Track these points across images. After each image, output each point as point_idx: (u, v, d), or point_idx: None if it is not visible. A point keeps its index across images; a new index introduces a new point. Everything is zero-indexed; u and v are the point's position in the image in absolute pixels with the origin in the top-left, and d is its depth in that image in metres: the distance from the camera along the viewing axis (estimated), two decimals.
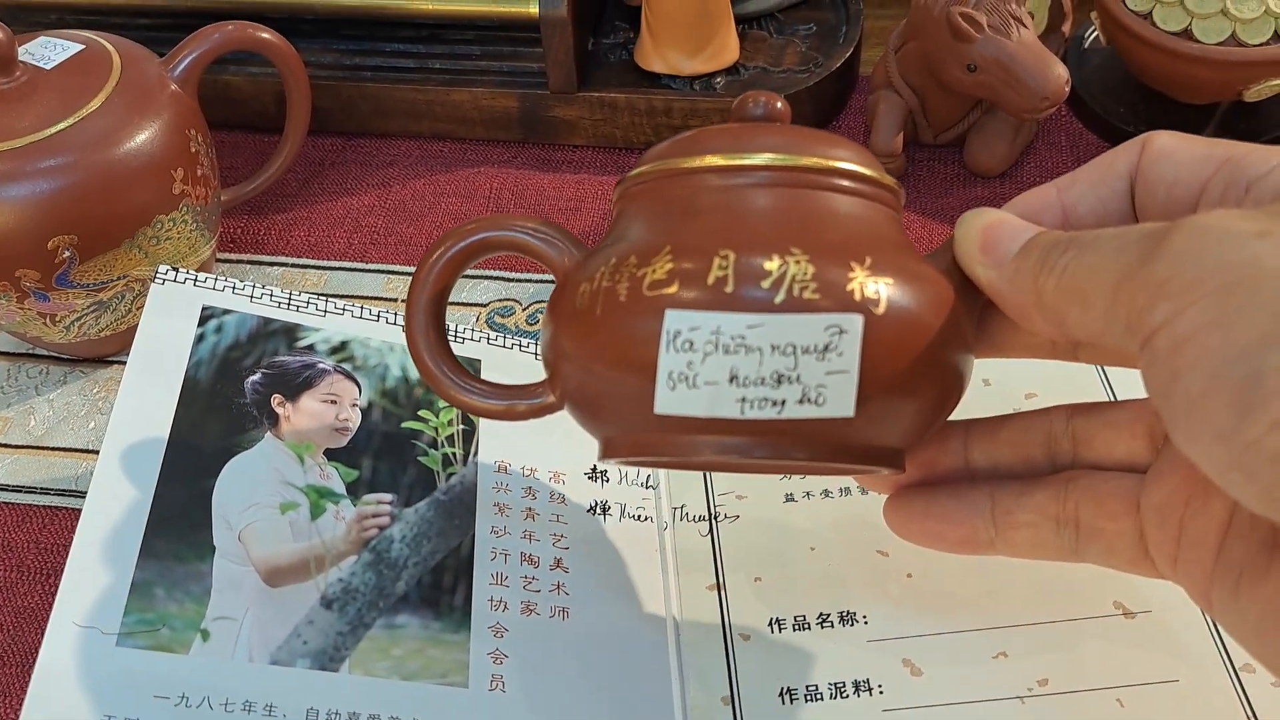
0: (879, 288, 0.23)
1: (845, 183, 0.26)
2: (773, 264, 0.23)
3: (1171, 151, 0.25)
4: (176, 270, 0.36)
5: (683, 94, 0.49)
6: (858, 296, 0.23)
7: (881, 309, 0.23)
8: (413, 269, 0.47)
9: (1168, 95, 0.47)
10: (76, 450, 0.42)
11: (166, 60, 0.43)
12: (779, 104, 0.28)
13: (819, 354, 0.23)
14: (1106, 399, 0.38)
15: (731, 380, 0.23)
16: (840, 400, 0.23)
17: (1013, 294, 0.24)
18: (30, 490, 0.41)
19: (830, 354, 0.23)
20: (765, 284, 0.23)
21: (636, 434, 0.26)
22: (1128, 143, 0.26)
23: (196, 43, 0.43)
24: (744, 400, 0.23)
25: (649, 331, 0.24)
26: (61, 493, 0.41)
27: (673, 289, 0.24)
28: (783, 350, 0.23)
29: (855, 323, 0.23)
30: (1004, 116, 0.46)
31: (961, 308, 0.25)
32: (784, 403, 0.23)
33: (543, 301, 0.46)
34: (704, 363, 0.23)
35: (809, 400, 0.23)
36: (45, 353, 0.45)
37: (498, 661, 0.32)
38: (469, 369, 0.38)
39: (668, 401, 0.24)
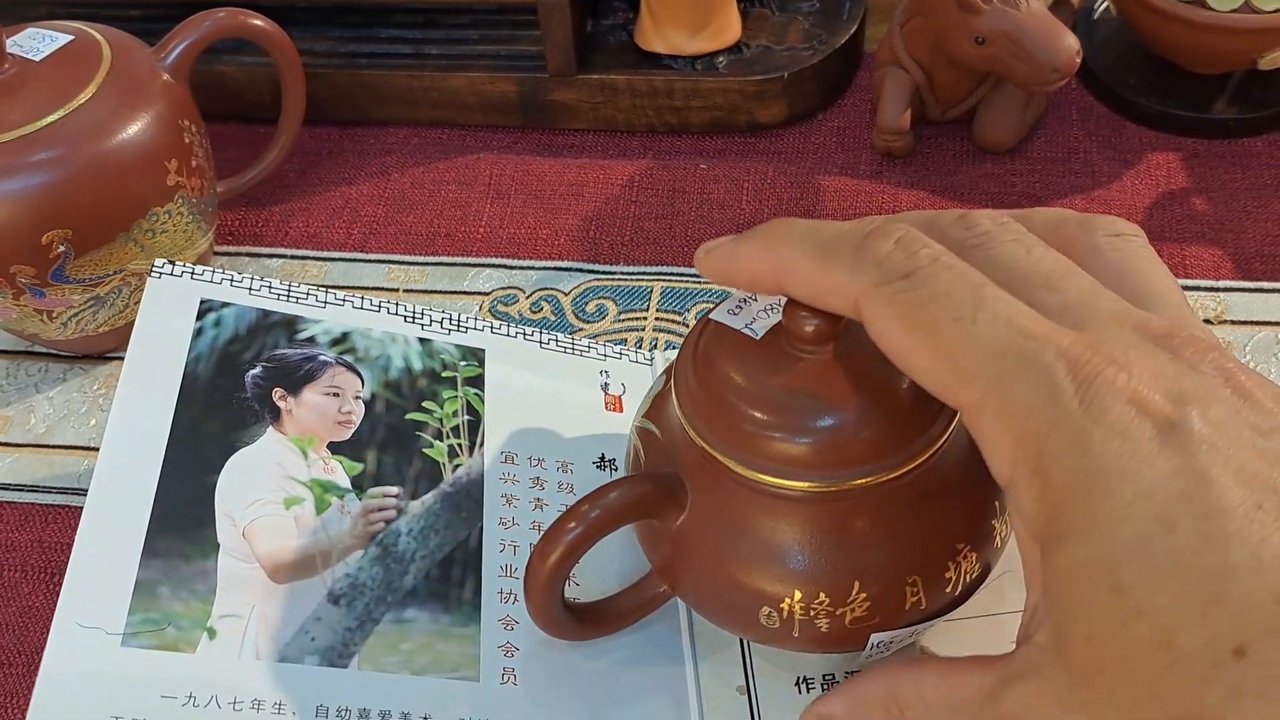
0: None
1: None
2: (951, 573, 0.27)
3: (914, 366, 0.23)
4: (173, 264, 0.36)
5: (684, 74, 0.48)
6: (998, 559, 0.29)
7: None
8: (414, 258, 0.46)
9: (1180, 66, 0.47)
10: (78, 448, 0.42)
11: (157, 50, 0.42)
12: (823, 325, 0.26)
13: None
14: None
15: None
16: None
17: None
18: (32, 489, 0.40)
19: None
20: (948, 590, 0.27)
21: None
22: (840, 293, 0.24)
23: (188, 31, 0.42)
24: None
25: (851, 647, 0.28)
26: (64, 491, 0.40)
27: (875, 620, 0.27)
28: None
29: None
30: (1013, 91, 0.45)
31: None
32: None
33: (547, 289, 0.45)
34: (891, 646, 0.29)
35: None
36: (44, 350, 0.45)
37: (508, 654, 0.32)
38: (475, 359, 0.38)
39: None
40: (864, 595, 0.27)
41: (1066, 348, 0.21)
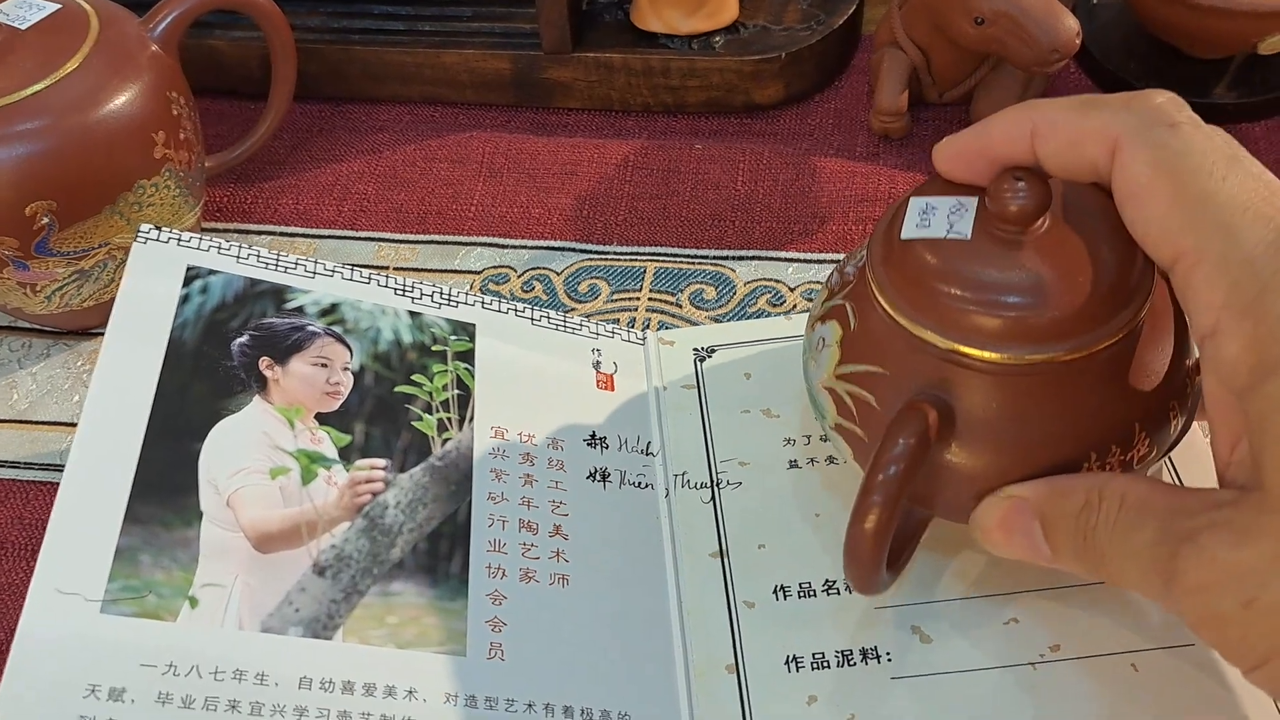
0: None
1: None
2: (1190, 390, 0.29)
3: (1148, 210, 0.25)
4: (159, 229, 0.35)
5: (681, 53, 0.48)
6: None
7: None
8: (405, 236, 0.46)
9: (1179, 49, 0.46)
10: (61, 424, 0.41)
11: (146, 20, 0.42)
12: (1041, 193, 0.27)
13: None
14: None
15: None
16: None
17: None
18: (13, 465, 0.40)
19: None
20: (1189, 404, 0.29)
21: None
22: (1099, 135, 0.25)
23: (177, 1, 0.42)
24: None
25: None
26: (45, 467, 0.40)
27: (1153, 454, 0.28)
28: None
29: None
30: (1011, 72, 0.45)
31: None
32: None
33: (539, 269, 0.44)
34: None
35: None
36: (27, 325, 0.44)
37: (496, 629, 0.31)
38: (465, 333, 0.37)
39: None
40: (1145, 435, 0.28)
41: None
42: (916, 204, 0.29)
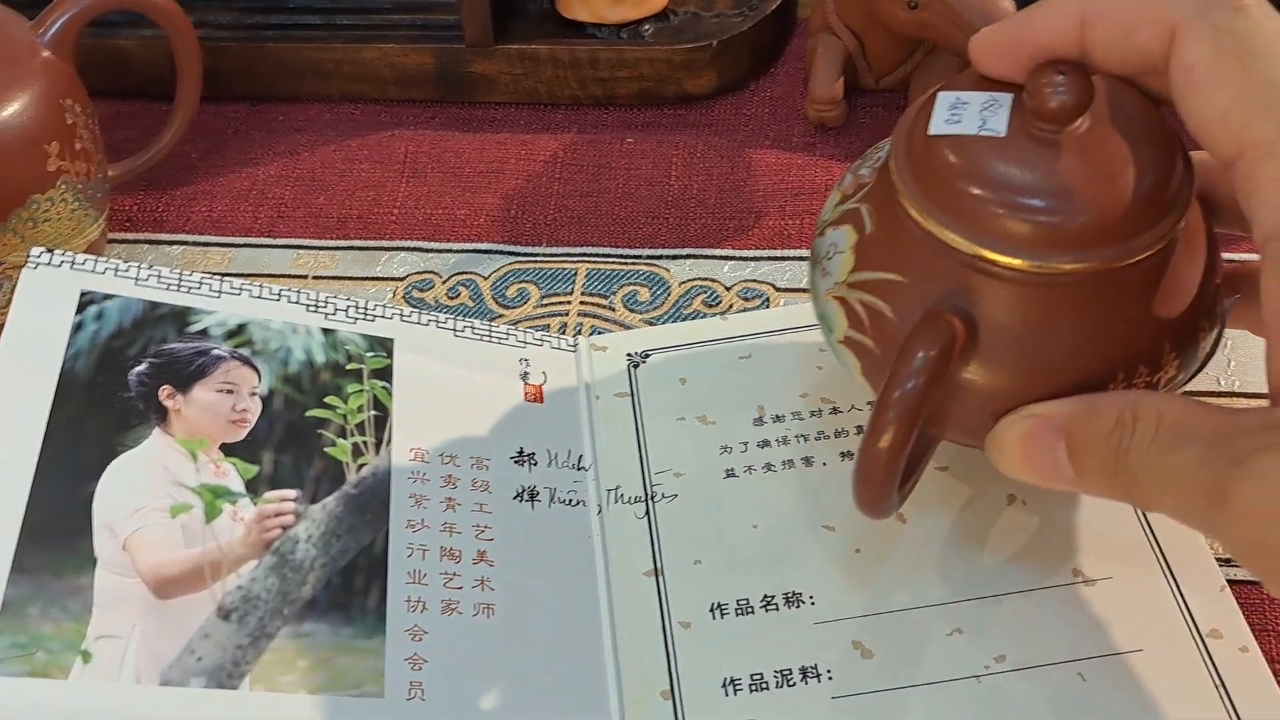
0: None
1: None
2: (1219, 308, 0.27)
3: (1209, 100, 0.23)
4: (51, 252, 0.33)
5: (609, 43, 0.46)
6: None
7: None
8: (325, 242, 0.44)
9: None
10: None
11: (36, 24, 0.39)
12: (1083, 89, 0.25)
13: None
14: None
15: None
16: None
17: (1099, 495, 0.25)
18: None
19: None
20: (1218, 325, 0.28)
21: None
22: (1155, 20, 0.24)
23: (69, 3, 0.39)
24: None
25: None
26: None
27: (1179, 375, 0.27)
28: None
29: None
30: (949, 58, 0.43)
31: None
32: None
33: (465, 273, 0.43)
34: None
35: None
36: None
37: (416, 667, 0.30)
38: (382, 349, 0.35)
39: None
40: (1175, 355, 0.26)
41: None
42: (946, 98, 0.26)
